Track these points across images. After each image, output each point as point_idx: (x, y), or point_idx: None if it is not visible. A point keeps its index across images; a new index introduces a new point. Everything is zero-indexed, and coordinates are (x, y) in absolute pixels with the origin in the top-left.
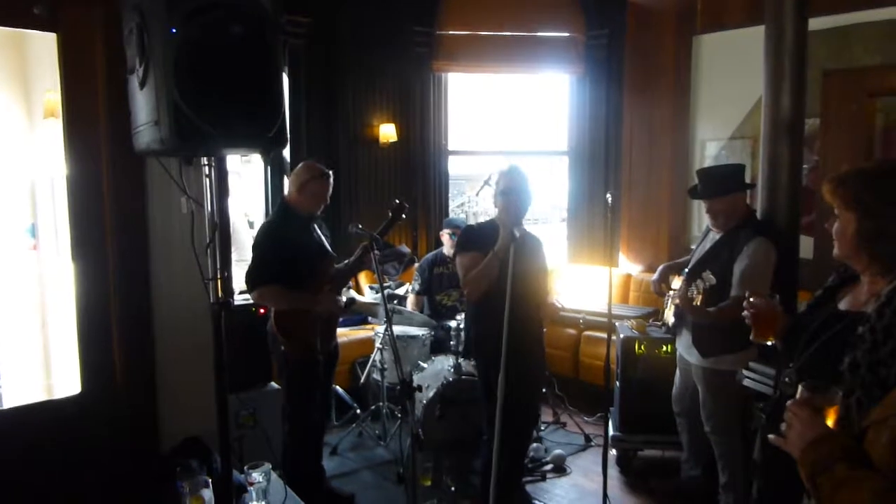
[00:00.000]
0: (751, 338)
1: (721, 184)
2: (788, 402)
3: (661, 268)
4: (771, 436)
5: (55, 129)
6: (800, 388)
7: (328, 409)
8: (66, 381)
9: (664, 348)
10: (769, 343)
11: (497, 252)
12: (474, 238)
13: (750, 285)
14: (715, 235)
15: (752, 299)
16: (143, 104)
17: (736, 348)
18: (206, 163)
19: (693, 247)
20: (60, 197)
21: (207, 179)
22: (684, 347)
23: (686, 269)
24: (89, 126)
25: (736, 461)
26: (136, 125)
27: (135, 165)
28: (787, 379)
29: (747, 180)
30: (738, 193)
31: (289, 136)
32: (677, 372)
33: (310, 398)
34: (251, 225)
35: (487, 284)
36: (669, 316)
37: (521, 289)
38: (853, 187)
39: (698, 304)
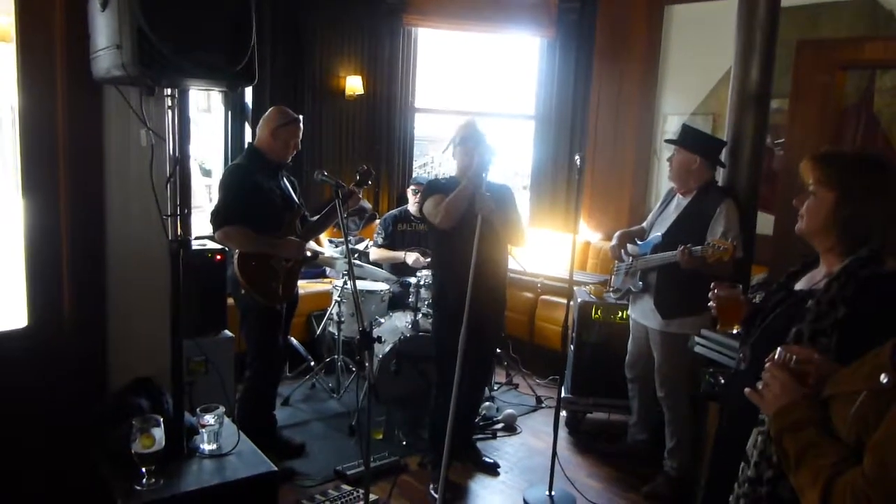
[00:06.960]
0: (717, 327)
1: (693, 140)
2: (767, 362)
3: (618, 233)
4: (747, 389)
5: (7, 55)
6: (779, 350)
7: (285, 357)
8: (12, 315)
9: (619, 314)
10: (735, 331)
11: (466, 186)
12: (440, 186)
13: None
14: (681, 201)
15: (716, 290)
16: (103, 27)
17: (696, 311)
18: (168, 93)
19: (654, 209)
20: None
21: (170, 111)
22: (641, 313)
23: (660, 233)
24: (44, 51)
25: (685, 427)
26: (94, 50)
27: (92, 94)
28: (741, 355)
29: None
30: (702, 159)
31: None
32: (630, 338)
33: (271, 346)
34: (208, 173)
35: (458, 214)
36: (617, 281)
37: (483, 244)
38: (838, 169)
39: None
